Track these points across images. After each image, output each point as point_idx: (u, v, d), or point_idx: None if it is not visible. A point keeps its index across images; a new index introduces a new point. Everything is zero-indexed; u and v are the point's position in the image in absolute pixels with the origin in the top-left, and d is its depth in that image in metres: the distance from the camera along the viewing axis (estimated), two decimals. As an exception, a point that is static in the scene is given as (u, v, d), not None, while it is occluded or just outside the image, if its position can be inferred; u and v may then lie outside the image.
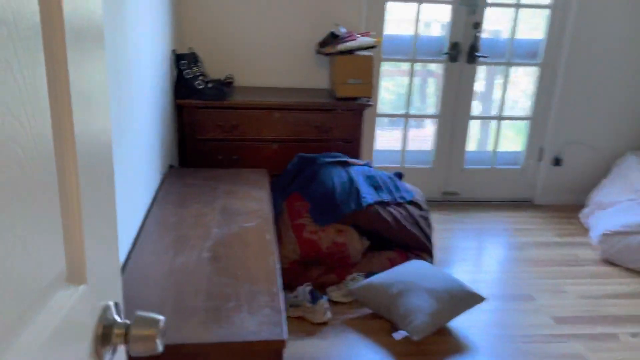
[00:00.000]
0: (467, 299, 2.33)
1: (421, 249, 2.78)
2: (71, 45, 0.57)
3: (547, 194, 3.90)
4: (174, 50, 2.88)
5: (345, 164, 2.84)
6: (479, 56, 3.55)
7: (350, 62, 3.00)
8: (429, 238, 2.80)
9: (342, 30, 3.09)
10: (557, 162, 3.83)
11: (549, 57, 3.63)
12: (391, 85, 4.35)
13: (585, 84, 3.66)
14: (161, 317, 0.67)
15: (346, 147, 3.13)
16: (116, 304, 0.69)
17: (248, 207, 2.20)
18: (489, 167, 3.86)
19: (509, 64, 3.66)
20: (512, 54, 3.63)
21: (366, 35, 3.08)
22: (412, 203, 2.84)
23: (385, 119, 3.85)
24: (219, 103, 2.92)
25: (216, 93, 2.90)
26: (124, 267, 1.70)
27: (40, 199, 0.51)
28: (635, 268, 2.97)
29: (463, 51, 3.55)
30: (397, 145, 3.79)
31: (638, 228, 2.98)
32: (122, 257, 1.72)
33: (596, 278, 2.91)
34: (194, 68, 2.86)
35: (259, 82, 3.40)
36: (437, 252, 3.07)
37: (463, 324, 2.43)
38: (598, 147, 3.82)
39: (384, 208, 2.70)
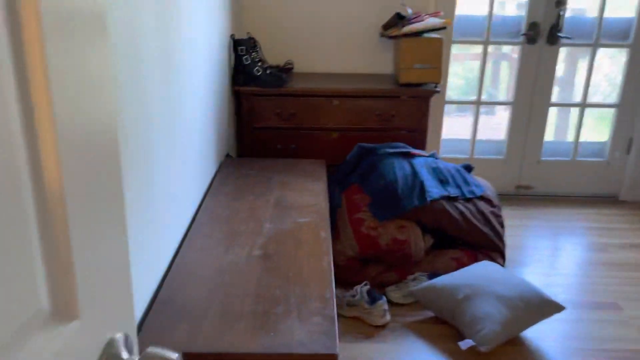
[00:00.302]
0: (543, 308, 2.10)
1: (491, 248, 2.55)
2: (52, 32, 0.45)
3: (635, 189, 3.51)
4: (232, 36, 2.79)
5: (408, 155, 2.65)
6: (562, 37, 3.22)
7: (416, 46, 2.79)
8: (500, 237, 2.57)
9: (409, 11, 2.88)
10: (648, 154, 3.44)
11: (643, 37, 3.24)
12: (460, 70, 4.08)
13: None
14: (175, 355, 0.55)
15: (410, 136, 2.93)
16: (126, 337, 0.58)
17: (303, 200, 2.07)
18: (569, 159, 3.52)
19: (596, 46, 3.30)
20: (599, 34, 3.27)
21: (435, 16, 2.85)
22: (482, 198, 2.62)
23: (453, 106, 3.61)
24: (277, 90, 2.80)
25: (274, 80, 2.79)
26: (171, 264, 1.62)
27: (4, 215, 0.39)
28: None
29: (543, 31, 3.24)
30: (466, 135, 3.54)
31: None
32: (170, 252, 1.65)
33: (695, 288, 2.57)
34: (253, 54, 2.76)
35: (320, 68, 3.26)
36: (508, 251, 2.83)
37: (537, 334, 2.20)
38: (698, 138, 3.39)
39: (450, 203, 2.50)
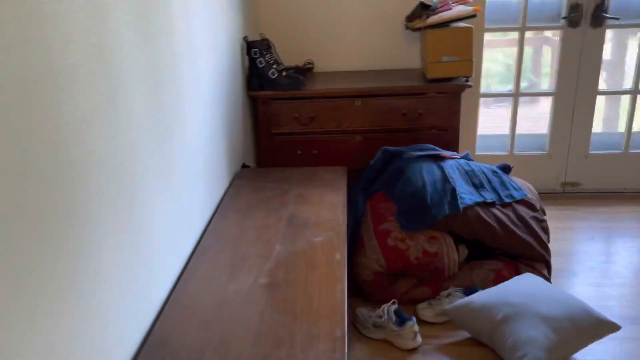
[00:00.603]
0: (595, 329, 1.85)
1: (534, 258, 2.30)
2: None
3: (699, 182, 3.16)
4: (244, 38, 2.63)
5: (437, 158, 2.42)
6: (608, 17, 2.90)
7: (444, 37, 2.55)
8: (544, 244, 2.31)
9: (434, 0, 2.64)
10: None
11: None
12: (501, 55, 3.80)
13: None
14: None
15: (441, 136, 2.70)
16: None
17: (319, 216, 1.89)
18: (621, 151, 3.20)
19: (648, 25, 2.96)
20: (652, 11, 2.93)
21: (463, 3, 2.61)
22: (523, 202, 2.36)
23: (490, 98, 3.34)
24: (294, 93, 2.63)
25: (291, 82, 2.61)
26: (169, 296, 1.48)
27: None
28: None
29: (586, 13, 2.93)
30: (504, 130, 3.27)
31: None
32: (169, 283, 1.50)
33: None
34: (267, 56, 2.60)
35: (342, 66, 3.06)
36: (554, 259, 2.56)
37: (588, 356, 1.95)
38: None
39: (486, 210, 2.26)
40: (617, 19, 2.91)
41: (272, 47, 2.66)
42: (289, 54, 3.03)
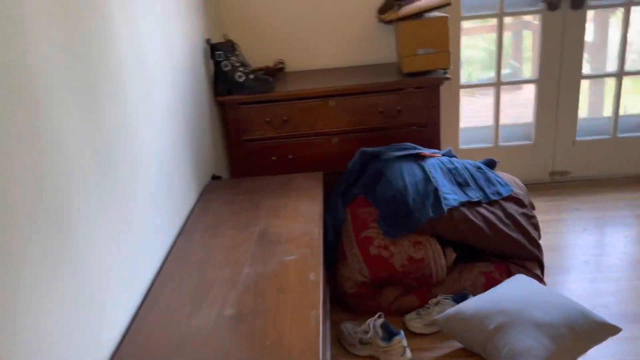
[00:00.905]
0: (593, 333, 1.73)
1: (526, 257, 2.18)
2: None
3: (690, 164, 3.06)
4: (207, 40, 2.47)
5: (418, 157, 2.29)
6: (585, 0, 2.78)
7: (418, 28, 2.41)
8: (535, 242, 2.19)
9: (406, -11, 2.50)
10: (702, 122, 2.97)
11: (686, -12, 2.77)
12: (478, 43, 3.66)
13: None
14: None
15: (421, 132, 2.57)
16: None
17: (293, 230, 1.75)
18: (609, 137, 3.08)
19: (629, 4, 2.84)
20: (633, -11, 2.82)
21: (437, -8, 2.47)
22: (511, 199, 2.24)
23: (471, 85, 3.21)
24: (264, 96, 2.48)
25: (260, 84, 2.46)
26: (123, 337, 1.33)
27: None
28: None
29: (566, -5, 2.80)
30: (488, 121, 3.14)
31: None
32: (124, 322, 1.35)
33: None
34: (232, 58, 2.44)
35: (315, 64, 2.91)
36: (546, 254, 2.45)
37: (588, 359, 1.83)
38: None
39: (473, 210, 2.13)
40: (597, -1, 2.79)
41: (237, 49, 2.50)
42: (258, 55, 2.87)
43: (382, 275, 2.10)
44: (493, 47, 2.98)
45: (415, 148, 2.34)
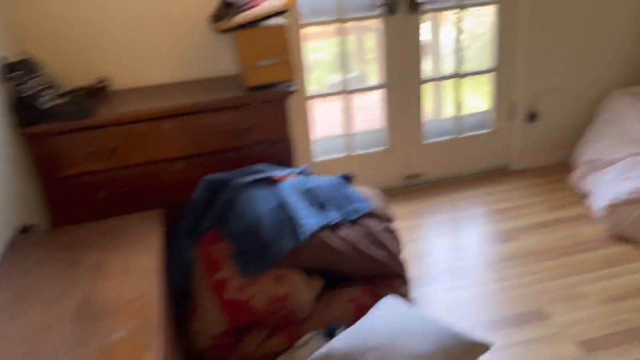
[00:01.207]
0: (468, 354, 1.65)
1: (391, 275, 2.07)
2: None
3: (525, 156, 3.26)
4: (2, 59, 1.99)
5: (271, 181, 2.07)
6: (422, 2, 2.79)
7: (256, 38, 2.19)
8: (398, 260, 2.09)
9: (239, -5, 2.26)
10: (532, 117, 3.17)
11: (508, -9, 2.91)
12: (322, 47, 3.55)
13: (554, 20, 2.97)
14: None
15: (274, 150, 2.35)
16: None
17: (122, 294, 1.41)
18: (453, 136, 3.16)
19: (462, 6, 2.92)
20: (463, -7, 2.89)
21: (273, -3, 2.26)
22: (371, 214, 2.12)
23: (325, 91, 3.08)
24: (82, 123, 2.07)
25: (74, 109, 2.05)
26: None
27: None
28: (655, 243, 2.38)
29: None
30: (342, 128, 3.04)
31: (653, 193, 2.36)
32: None
33: (613, 266, 2.29)
34: (34, 80, 1.99)
35: (146, 80, 2.54)
36: (410, 265, 2.39)
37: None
38: (577, 92, 3.17)
39: (333, 233, 1.96)
40: (431, 2, 2.81)
41: (40, 68, 2.05)
42: (75, 73, 2.42)
43: (242, 321, 1.84)
44: (339, 50, 2.88)
45: (266, 171, 2.12)
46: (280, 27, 2.18)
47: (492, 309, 2.11)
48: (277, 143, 2.35)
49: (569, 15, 2.97)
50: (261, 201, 1.95)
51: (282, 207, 1.94)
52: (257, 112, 2.28)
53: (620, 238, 2.46)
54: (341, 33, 2.79)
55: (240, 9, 2.15)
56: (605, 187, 2.57)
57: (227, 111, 2.25)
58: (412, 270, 2.37)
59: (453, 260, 2.45)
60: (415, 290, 2.25)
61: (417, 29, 2.86)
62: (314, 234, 1.91)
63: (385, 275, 2.06)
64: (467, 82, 3.12)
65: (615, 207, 2.44)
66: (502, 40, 2.99)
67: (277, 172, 2.12)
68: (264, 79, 2.25)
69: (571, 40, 3.04)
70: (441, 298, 2.21)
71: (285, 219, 1.91)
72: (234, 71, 2.61)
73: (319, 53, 3.14)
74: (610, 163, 2.69)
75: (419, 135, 3.09)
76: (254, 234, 1.87)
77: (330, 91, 3.00)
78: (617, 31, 3.08)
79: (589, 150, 2.90)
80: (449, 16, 3.07)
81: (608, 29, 3.06)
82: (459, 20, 2.94)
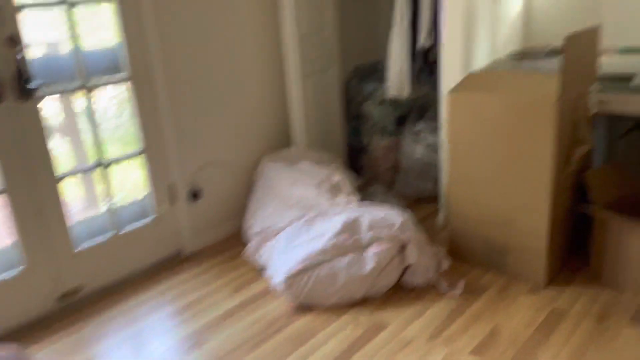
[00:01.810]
0: None
1: None
2: None
3: (197, 236, 3.02)
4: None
5: None
6: (33, 89, 2.27)
7: None
8: None
9: None
10: (195, 195, 2.97)
11: (138, 67, 2.65)
12: None
13: (192, 96, 2.85)
14: None
15: None
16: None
17: None
18: (111, 234, 2.68)
19: (89, 88, 2.51)
20: (85, 71, 2.49)
21: None
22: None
23: None
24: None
25: None
26: None
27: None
28: (334, 303, 2.39)
29: (5, 84, 2.21)
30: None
31: (320, 256, 2.38)
32: None
33: (304, 343, 2.18)
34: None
35: None
36: None
37: None
38: (233, 163, 3.13)
39: None
40: (47, 84, 2.32)
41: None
42: None
43: None
44: None
45: None
46: None
47: None
48: None
49: (207, 89, 2.90)
50: None
51: None
52: None
53: (304, 308, 2.40)
54: None
55: None
56: (278, 260, 2.51)
57: None
58: None
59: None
60: None
61: (38, 118, 2.31)
62: None
63: None
64: (115, 169, 2.70)
65: (291, 279, 2.37)
66: (144, 120, 2.70)
67: None
68: None
69: (215, 113, 2.97)
70: None
71: None
72: None
73: None
74: (277, 231, 2.66)
75: (67, 243, 2.50)
76: None
77: None
78: (257, 98, 3.17)
79: (257, 221, 2.84)
80: (78, 99, 2.62)
81: (248, 97, 3.12)
82: (91, 103, 2.52)
